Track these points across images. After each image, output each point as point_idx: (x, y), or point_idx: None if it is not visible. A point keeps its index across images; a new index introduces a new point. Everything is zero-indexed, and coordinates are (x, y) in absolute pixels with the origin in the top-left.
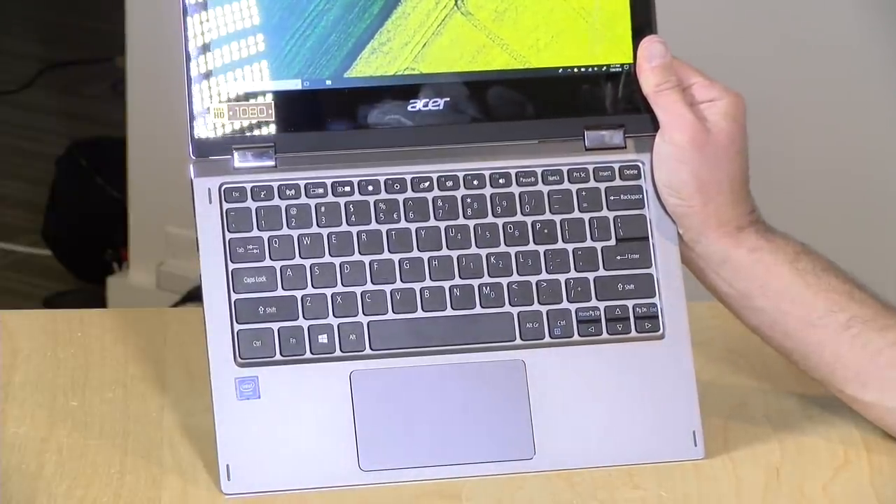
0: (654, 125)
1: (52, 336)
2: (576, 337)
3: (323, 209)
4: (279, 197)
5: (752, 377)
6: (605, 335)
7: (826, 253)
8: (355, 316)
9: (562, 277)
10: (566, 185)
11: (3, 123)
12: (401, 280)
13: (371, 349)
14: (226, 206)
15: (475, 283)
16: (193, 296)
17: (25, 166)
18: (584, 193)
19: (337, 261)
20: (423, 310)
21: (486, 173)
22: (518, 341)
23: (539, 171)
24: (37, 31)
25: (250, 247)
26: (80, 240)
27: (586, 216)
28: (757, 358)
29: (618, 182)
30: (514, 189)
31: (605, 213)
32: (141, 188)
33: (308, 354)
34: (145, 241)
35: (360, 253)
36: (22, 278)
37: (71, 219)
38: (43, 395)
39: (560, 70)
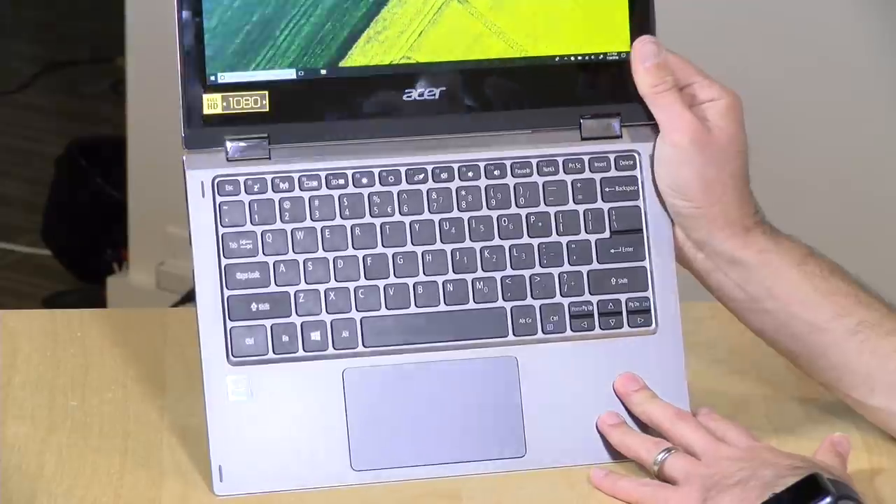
0: (651, 114)
1: (52, 336)
2: (568, 332)
3: (317, 202)
4: (272, 189)
5: (753, 378)
6: (597, 330)
7: (830, 255)
8: (348, 312)
9: (555, 271)
10: (561, 175)
11: (3, 123)
12: (394, 275)
13: (364, 346)
14: (219, 199)
15: (468, 277)
16: (193, 296)
17: (25, 166)
18: (579, 185)
19: (330, 255)
20: (416, 305)
21: (482, 164)
22: (511, 337)
23: (534, 161)
24: (37, 31)
25: (243, 241)
26: (80, 240)
27: (581, 208)
28: (757, 358)
29: (613, 172)
30: (509, 180)
31: (599, 204)
32: (141, 188)
33: (301, 352)
34: (145, 241)
35: (353, 247)
36: (22, 278)
37: (71, 219)
38: (43, 395)
39: (557, 59)
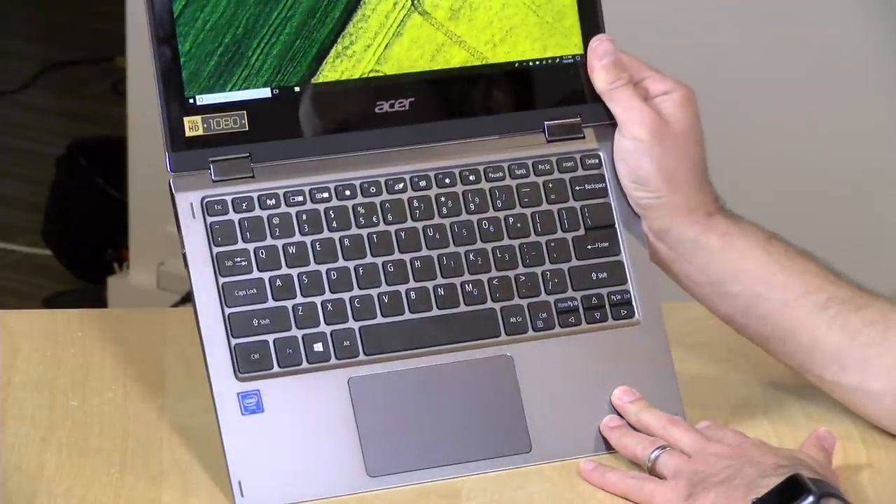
0: (609, 114)
1: (52, 336)
2: (557, 328)
3: (304, 217)
4: (260, 207)
5: (752, 376)
6: (584, 324)
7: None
8: (346, 322)
9: (538, 270)
10: (532, 177)
11: (3, 123)
12: (386, 283)
13: (365, 354)
14: (209, 219)
15: (457, 281)
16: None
17: (25, 166)
18: (550, 185)
19: (323, 268)
20: (410, 311)
21: (456, 171)
22: (503, 336)
23: (506, 165)
24: (37, 31)
25: (238, 259)
26: (80, 240)
27: (555, 208)
28: (757, 358)
29: (580, 172)
30: (484, 185)
31: (571, 203)
32: (141, 188)
33: (305, 364)
34: (145, 241)
35: (344, 259)
36: (22, 278)
37: (71, 219)
38: (43, 395)
39: (516, 64)
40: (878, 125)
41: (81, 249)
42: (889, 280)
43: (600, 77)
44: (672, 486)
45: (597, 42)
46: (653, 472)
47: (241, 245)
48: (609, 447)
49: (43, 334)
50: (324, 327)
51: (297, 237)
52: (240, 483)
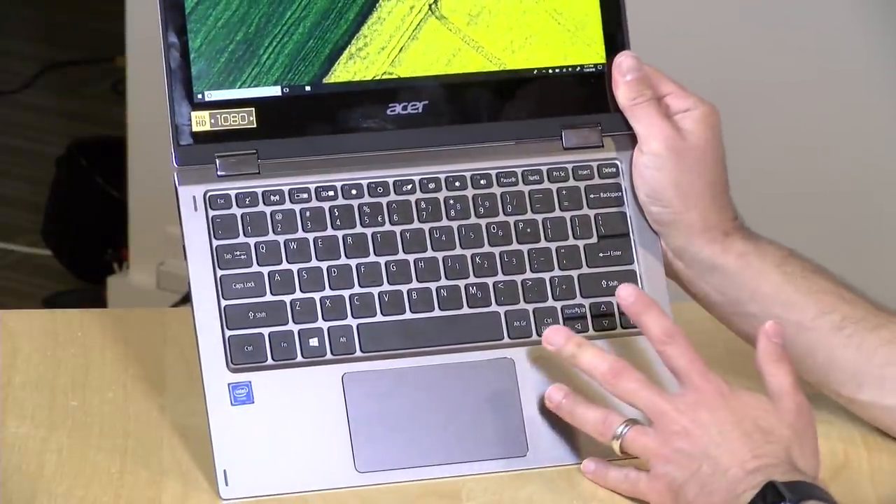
0: (630, 124)
1: (52, 336)
2: None
3: (308, 214)
4: (264, 203)
5: (752, 378)
6: (591, 331)
7: (822, 261)
8: (344, 319)
9: (546, 276)
10: (546, 184)
11: (3, 123)
12: (388, 282)
13: (361, 351)
14: (211, 213)
15: (461, 283)
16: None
17: (25, 166)
18: (564, 192)
19: (324, 265)
20: (410, 311)
21: (468, 175)
22: (506, 340)
23: (519, 171)
24: (37, 31)
25: (237, 253)
26: (80, 240)
27: (567, 215)
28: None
29: (597, 180)
30: (496, 190)
31: (585, 211)
32: (141, 188)
33: (299, 358)
34: (145, 241)
35: (346, 256)
36: (22, 278)
37: (71, 219)
38: (43, 395)
39: (535, 71)
40: (879, 127)
41: (81, 249)
42: (889, 280)
43: (623, 93)
44: (657, 490)
45: (622, 58)
46: (623, 451)
47: (241, 239)
48: (606, 456)
49: (43, 334)
50: (321, 323)
51: (300, 233)
52: (225, 472)
